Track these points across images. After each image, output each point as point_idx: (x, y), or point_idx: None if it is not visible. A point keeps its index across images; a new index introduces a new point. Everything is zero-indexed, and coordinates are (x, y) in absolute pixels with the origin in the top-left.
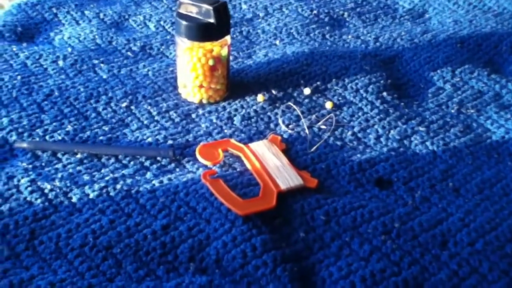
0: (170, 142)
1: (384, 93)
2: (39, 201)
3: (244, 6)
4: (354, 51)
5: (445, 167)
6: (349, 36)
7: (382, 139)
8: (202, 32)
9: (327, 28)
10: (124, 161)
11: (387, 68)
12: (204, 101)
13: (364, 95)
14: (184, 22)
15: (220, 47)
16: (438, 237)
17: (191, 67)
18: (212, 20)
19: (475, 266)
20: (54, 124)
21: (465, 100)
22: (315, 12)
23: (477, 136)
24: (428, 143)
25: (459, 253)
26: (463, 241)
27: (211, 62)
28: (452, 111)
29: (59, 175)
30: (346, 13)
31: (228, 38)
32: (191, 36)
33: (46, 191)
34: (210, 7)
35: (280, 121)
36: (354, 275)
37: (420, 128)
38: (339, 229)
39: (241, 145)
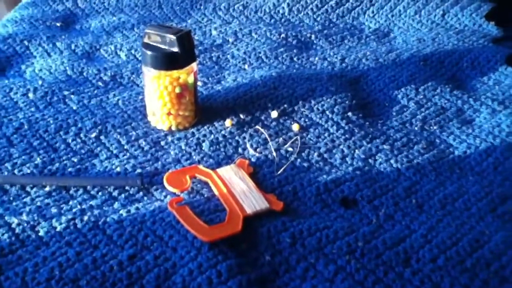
0: (139, 170)
1: (350, 113)
2: (5, 236)
3: (214, 32)
4: (320, 73)
5: (408, 184)
6: (316, 58)
7: (347, 159)
8: (167, 61)
9: (295, 51)
10: (92, 192)
11: (352, 88)
12: (173, 128)
13: (330, 116)
14: (149, 52)
15: (187, 75)
16: (401, 254)
17: (158, 95)
18: (176, 49)
19: (437, 282)
20: (23, 157)
21: (429, 117)
22: (283, 35)
23: (440, 152)
24: (392, 161)
25: (422, 270)
26: (425, 257)
27: (178, 90)
28: (416, 128)
29: (27, 208)
30: (313, 36)
31: (194, 65)
32: (157, 65)
33: (13, 225)
34: (174, 37)
35: (248, 145)
36: None
37: (385, 147)
38: (305, 251)
39: (209, 170)
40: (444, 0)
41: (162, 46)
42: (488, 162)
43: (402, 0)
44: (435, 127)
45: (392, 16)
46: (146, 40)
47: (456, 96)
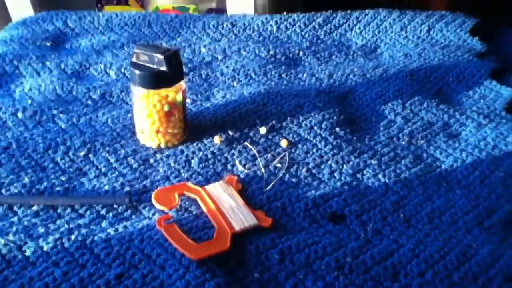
0: (127, 188)
1: (337, 129)
2: None
3: (203, 50)
4: (308, 89)
5: (396, 199)
6: (304, 75)
7: (335, 174)
8: (156, 80)
9: (283, 67)
10: (80, 211)
11: (340, 104)
12: (162, 146)
13: (318, 131)
14: (137, 71)
15: (175, 93)
16: (389, 269)
17: (147, 113)
18: (164, 68)
19: None
20: (11, 177)
21: (415, 131)
22: (271, 52)
23: (427, 166)
24: (380, 176)
25: (410, 285)
26: (413, 272)
27: (166, 108)
28: (403, 143)
29: (14, 228)
30: (301, 52)
31: (182, 83)
32: (145, 84)
33: None
34: (162, 56)
35: (236, 161)
36: None
37: (372, 161)
38: (294, 267)
39: (198, 187)
40: (429, 16)
41: (151, 65)
42: (475, 176)
43: (389, 17)
44: (422, 141)
45: (379, 32)
46: (134, 59)
47: (443, 110)
